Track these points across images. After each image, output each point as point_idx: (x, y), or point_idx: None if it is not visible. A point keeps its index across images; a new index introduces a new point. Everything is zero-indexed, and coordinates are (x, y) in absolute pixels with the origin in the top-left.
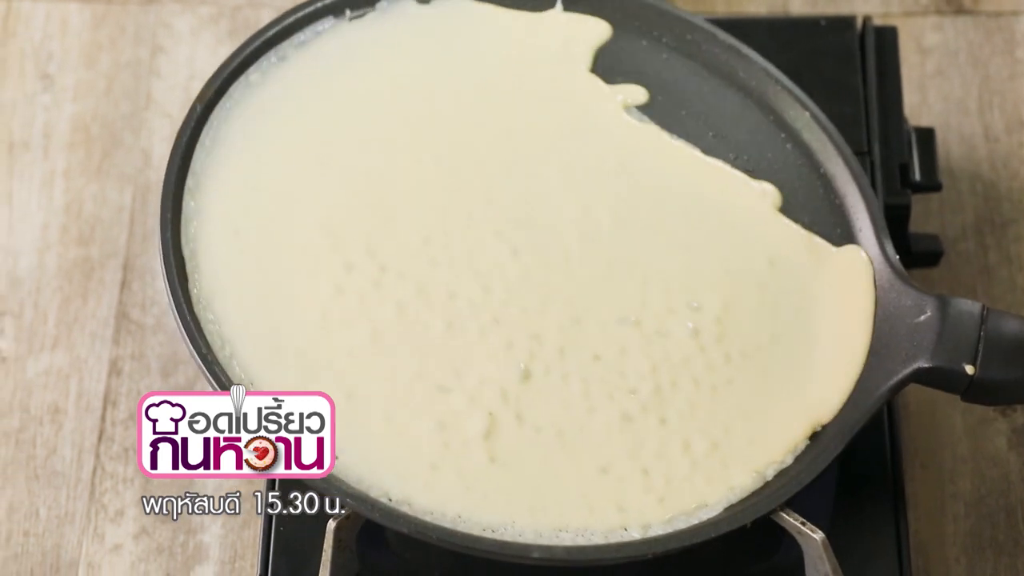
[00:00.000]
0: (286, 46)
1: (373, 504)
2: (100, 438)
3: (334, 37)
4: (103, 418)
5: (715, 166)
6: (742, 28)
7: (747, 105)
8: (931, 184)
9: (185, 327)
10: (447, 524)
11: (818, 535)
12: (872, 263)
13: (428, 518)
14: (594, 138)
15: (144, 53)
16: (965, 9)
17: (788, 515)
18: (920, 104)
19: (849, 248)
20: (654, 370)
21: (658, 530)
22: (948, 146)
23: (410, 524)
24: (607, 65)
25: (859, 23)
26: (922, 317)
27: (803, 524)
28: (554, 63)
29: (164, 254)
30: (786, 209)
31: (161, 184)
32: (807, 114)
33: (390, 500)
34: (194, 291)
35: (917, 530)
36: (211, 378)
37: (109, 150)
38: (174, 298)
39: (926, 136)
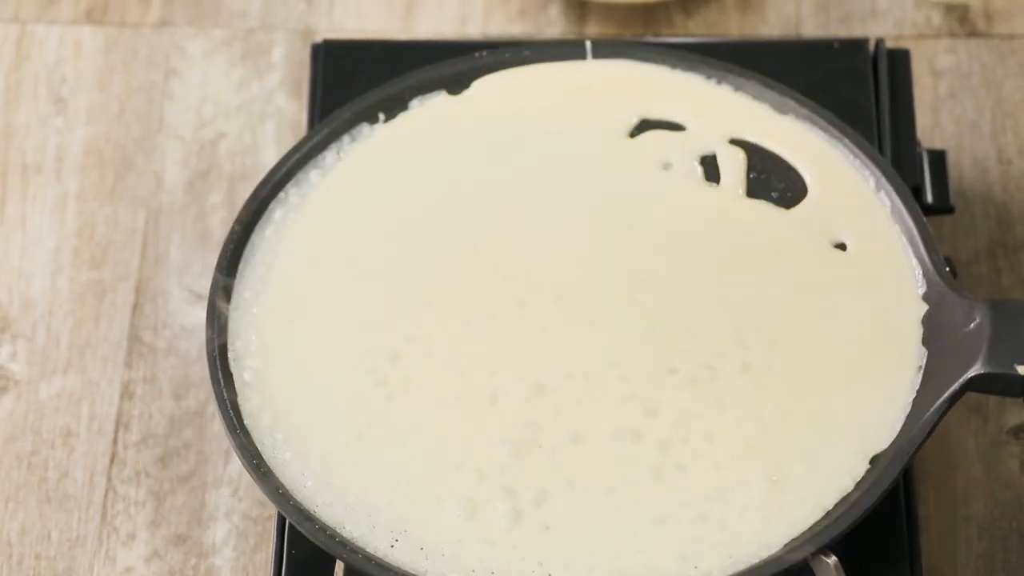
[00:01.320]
0: (323, 157)
1: None
2: (112, 461)
3: (370, 143)
4: (115, 441)
5: (755, 206)
6: (754, 51)
7: None
8: (944, 207)
9: (238, 444)
10: None
11: (831, 559)
12: (923, 280)
13: None
14: (633, 197)
15: (157, 76)
16: (978, 32)
17: None
18: (933, 127)
19: (892, 265)
20: (705, 417)
21: (719, 574)
22: (961, 169)
23: None
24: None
25: (872, 46)
26: (972, 325)
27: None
28: (589, 127)
29: (214, 378)
30: None
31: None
32: (845, 141)
33: None
34: (244, 406)
35: (930, 553)
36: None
37: (122, 173)
38: (225, 417)
39: (938, 159)
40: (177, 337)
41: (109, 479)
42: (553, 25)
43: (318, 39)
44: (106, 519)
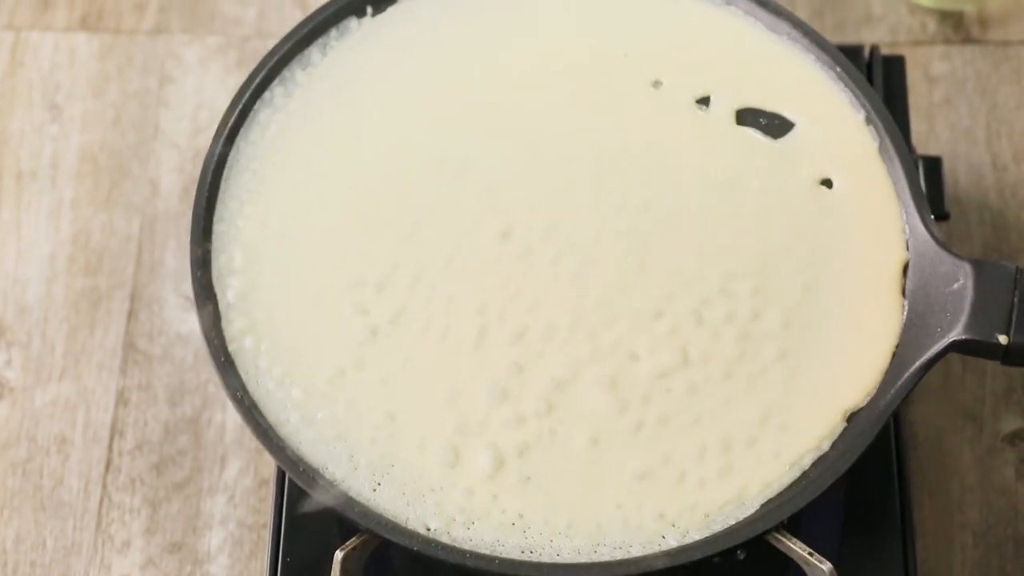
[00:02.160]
0: (310, 53)
1: (411, 535)
2: (107, 468)
3: (358, 40)
4: (110, 448)
5: (743, 134)
6: None
7: None
8: (938, 213)
9: (220, 368)
10: (485, 551)
11: (826, 565)
12: (908, 227)
13: (467, 546)
14: (622, 117)
15: (152, 83)
16: (973, 38)
17: (795, 544)
18: (927, 133)
19: (878, 208)
20: (689, 366)
21: (695, 535)
22: (956, 175)
23: (449, 552)
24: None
25: (867, 52)
26: (956, 285)
27: (810, 554)
28: (577, 36)
29: (196, 291)
30: None
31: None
32: (837, 69)
33: (429, 530)
34: (227, 330)
35: (925, 560)
36: (249, 421)
37: (117, 180)
38: (208, 339)
39: (933, 165)
40: (172, 344)
41: (104, 486)
42: None
43: None
44: (101, 527)
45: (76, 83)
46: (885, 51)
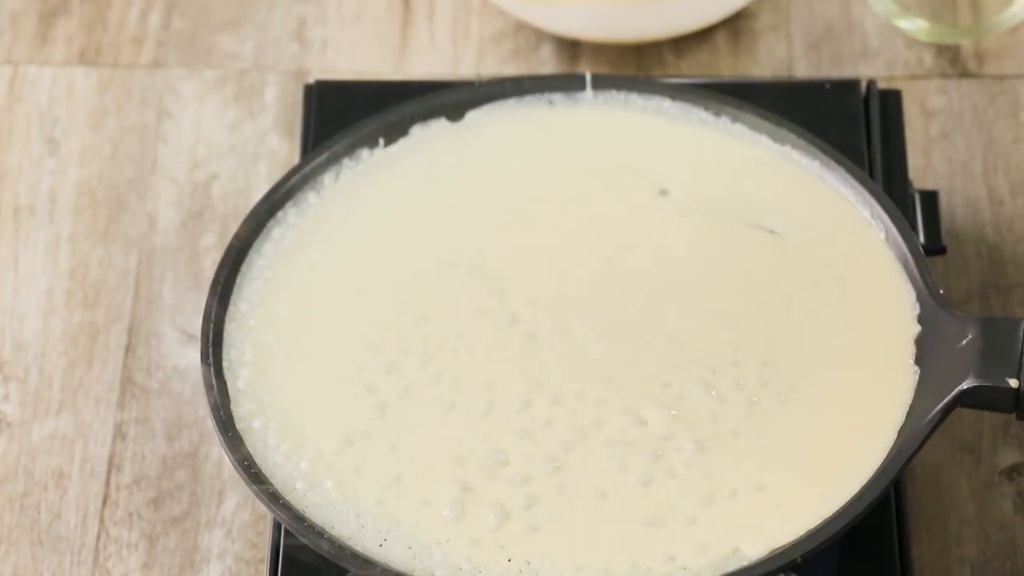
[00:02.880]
0: (323, 179)
1: None
2: (104, 503)
3: (371, 168)
4: (107, 483)
5: (752, 234)
6: (746, 92)
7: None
8: (935, 247)
9: (229, 444)
10: None
11: None
12: (918, 303)
13: None
14: (630, 225)
15: (150, 117)
16: (969, 72)
17: None
18: (924, 167)
19: (888, 290)
20: (697, 428)
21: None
22: (952, 209)
23: None
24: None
25: (863, 86)
26: (964, 341)
27: None
28: (585, 158)
29: (207, 380)
30: None
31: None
32: (841, 170)
33: None
34: (236, 411)
35: None
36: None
37: (115, 214)
38: (216, 420)
39: (930, 199)
40: (170, 378)
41: (101, 521)
42: (545, 65)
43: (311, 80)
44: (99, 561)
45: (74, 117)
46: (882, 85)
